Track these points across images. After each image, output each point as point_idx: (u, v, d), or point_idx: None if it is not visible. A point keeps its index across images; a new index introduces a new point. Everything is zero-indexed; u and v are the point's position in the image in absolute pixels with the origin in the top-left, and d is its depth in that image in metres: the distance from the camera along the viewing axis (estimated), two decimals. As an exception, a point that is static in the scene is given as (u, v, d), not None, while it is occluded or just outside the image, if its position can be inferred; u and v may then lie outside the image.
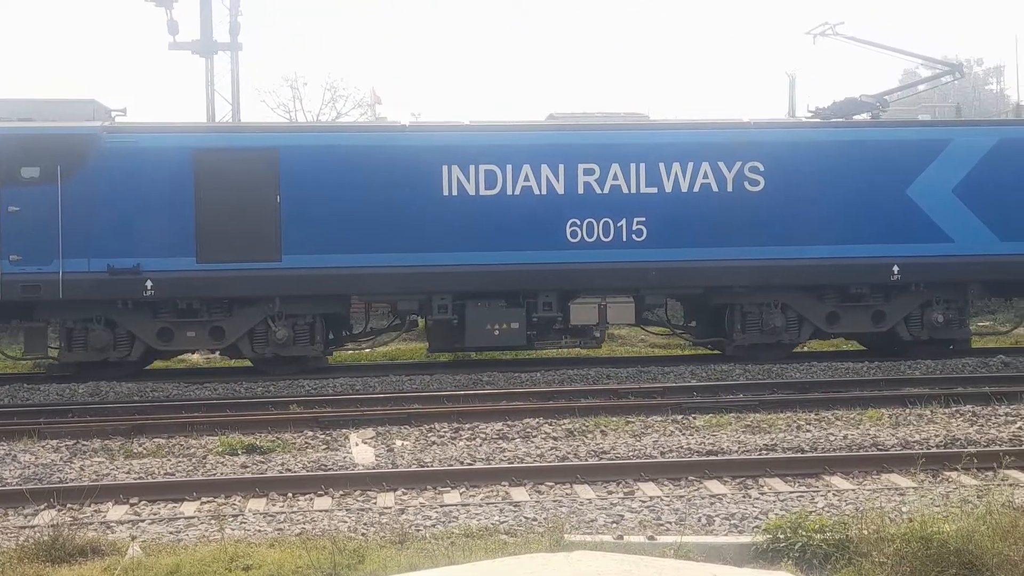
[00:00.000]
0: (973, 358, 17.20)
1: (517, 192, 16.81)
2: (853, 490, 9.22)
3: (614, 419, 12.44)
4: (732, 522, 8.22)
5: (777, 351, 17.51)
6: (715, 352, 18.71)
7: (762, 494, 9.17)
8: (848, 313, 17.66)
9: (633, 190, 16.95)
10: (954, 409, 12.82)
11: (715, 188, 17.12)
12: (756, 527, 7.90)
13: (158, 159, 16.47)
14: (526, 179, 16.81)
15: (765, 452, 10.79)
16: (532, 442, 11.55)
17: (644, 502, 8.89)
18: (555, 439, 11.70)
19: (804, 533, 7.17)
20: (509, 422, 12.41)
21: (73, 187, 16.19)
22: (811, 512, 8.02)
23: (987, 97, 76.40)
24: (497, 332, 16.86)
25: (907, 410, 12.79)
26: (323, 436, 12.05)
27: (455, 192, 16.71)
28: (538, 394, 14.51)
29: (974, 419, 12.29)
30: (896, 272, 17.26)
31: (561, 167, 16.84)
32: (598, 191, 16.90)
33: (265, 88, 70.95)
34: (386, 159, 16.67)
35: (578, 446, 11.23)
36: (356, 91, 58.22)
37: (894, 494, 8.98)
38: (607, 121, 17.80)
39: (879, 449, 10.82)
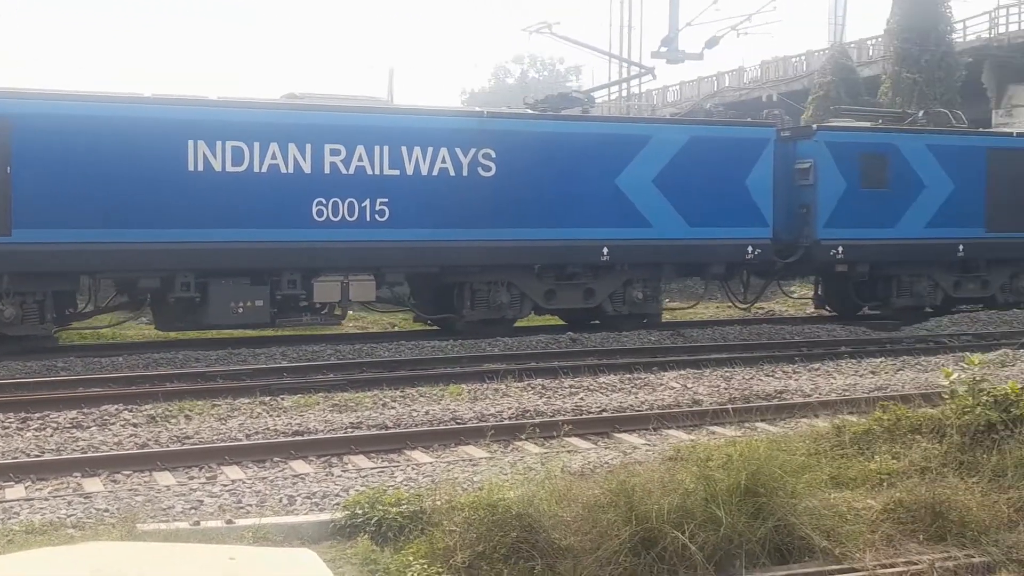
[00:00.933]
0: (618, 332, 18.64)
1: (264, 170, 16.54)
2: (431, 463, 9.63)
3: (200, 403, 12.12)
4: (314, 501, 8.29)
5: (501, 326, 18.50)
6: (435, 328, 19.34)
7: (345, 471, 9.35)
8: (563, 290, 19.00)
9: (377, 172, 17.24)
10: (527, 383, 13.70)
11: (452, 172, 17.73)
12: (337, 504, 8.04)
13: None
14: (273, 157, 16.58)
15: (351, 430, 10.98)
16: (110, 430, 10.99)
17: (226, 486, 8.76)
18: (135, 426, 11.20)
19: (381, 507, 7.40)
20: (85, 410, 11.72)
21: None
22: (390, 487, 8.29)
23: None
24: (241, 310, 16.54)
25: (485, 385, 13.51)
26: None
27: (201, 168, 16.14)
28: (119, 379, 13.84)
29: (543, 391, 13.22)
30: (605, 253, 18.73)
31: (309, 146, 16.79)
32: (344, 171, 17.03)
33: None
34: (127, 131, 15.72)
35: (160, 432, 10.82)
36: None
37: (468, 465, 9.49)
38: (354, 104, 18.03)
39: (457, 423, 11.37)
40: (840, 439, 9.00)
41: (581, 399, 12.75)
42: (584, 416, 11.74)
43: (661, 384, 13.95)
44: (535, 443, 10.22)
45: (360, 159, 17.16)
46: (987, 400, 8.50)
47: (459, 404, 12.43)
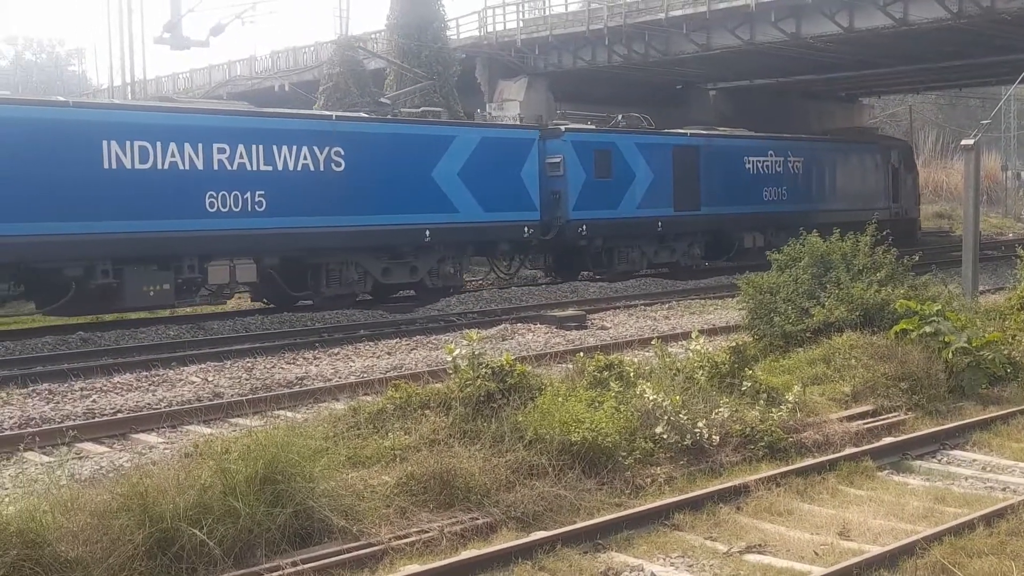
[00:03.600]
0: (112, 331, 18.25)
1: (165, 167, 18.15)
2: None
3: None
4: None
5: (349, 300, 21.26)
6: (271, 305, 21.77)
7: None
8: (396, 267, 22.04)
9: (255, 168, 19.32)
10: (31, 388, 12.76)
11: (312, 168, 20.18)
12: None
13: None
14: (173, 155, 18.21)
15: None
16: None
17: None
18: None
19: None
20: None
21: None
22: None
23: (70, 78, 77.28)
24: (152, 293, 18.17)
25: (-19, 395, 12.39)
26: None
27: (114, 165, 17.58)
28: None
29: (50, 397, 12.38)
30: (428, 235, 21.97)
31: (200, 146, 18.55)
32: (229, 168, 18.96)
33: None
34: (50, 135, 16.83)
35: None
36: None
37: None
38: (233, 108, 20.70)
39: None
40: (356, 420, 9.29)
41: (94, 401, 12.11)
42: (97, 420, 11.18)
43: (181, 380, 13.63)
44: (42, 452, 9.54)
45: (241, 156, 19.11)
46: (486, 372, 9.19)
47: (-52, 419, 11.27)
